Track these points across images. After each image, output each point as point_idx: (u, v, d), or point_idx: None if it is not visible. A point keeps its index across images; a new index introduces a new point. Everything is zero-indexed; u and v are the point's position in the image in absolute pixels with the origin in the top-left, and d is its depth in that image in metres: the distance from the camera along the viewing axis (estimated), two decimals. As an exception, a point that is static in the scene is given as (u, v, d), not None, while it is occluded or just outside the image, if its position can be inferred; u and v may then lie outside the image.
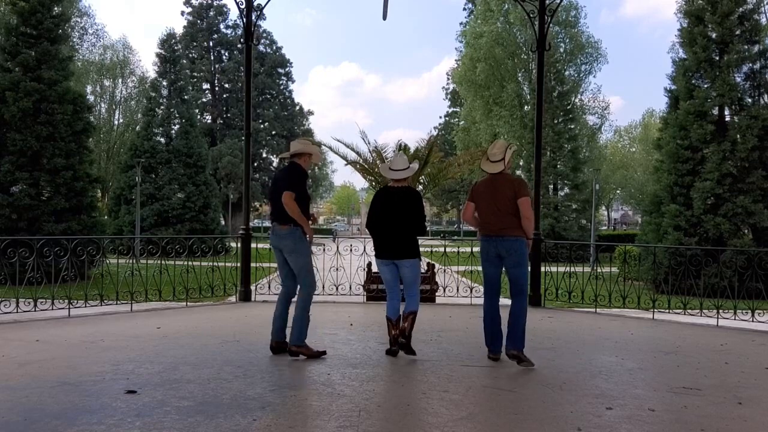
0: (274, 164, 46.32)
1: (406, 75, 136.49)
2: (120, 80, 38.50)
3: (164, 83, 29.40)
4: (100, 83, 37.80)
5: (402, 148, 10.83)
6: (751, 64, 15.52)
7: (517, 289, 5.09)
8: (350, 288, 9.13)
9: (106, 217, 24.86)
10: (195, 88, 41.87)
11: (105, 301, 7.94)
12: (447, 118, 52.00)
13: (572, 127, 29.23)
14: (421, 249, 5.49)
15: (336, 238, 10.11)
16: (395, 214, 5.16)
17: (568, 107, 29.32)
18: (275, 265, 5.50)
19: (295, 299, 5.17)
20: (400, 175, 5.25)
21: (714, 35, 15.40)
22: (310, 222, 5.14)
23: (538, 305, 8.68)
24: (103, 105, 37.83)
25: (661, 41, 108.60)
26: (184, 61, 34.27)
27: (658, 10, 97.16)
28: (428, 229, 58.88)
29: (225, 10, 45.37)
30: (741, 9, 15.40)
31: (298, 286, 5.18)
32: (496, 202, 5.06)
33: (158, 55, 29.64)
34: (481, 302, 8.12)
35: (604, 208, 54.34)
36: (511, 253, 5.02)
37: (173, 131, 28.86)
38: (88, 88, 35.07)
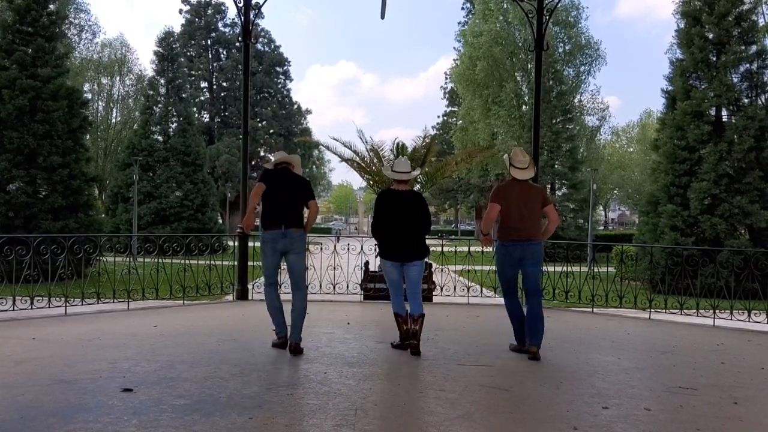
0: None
1: (404, 74, 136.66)
2: (118, 78, 38.38)
3: (162, 81, 29.31)
4: (98, 81, 37.68)
5: (399, 146, 10.83)
6: (748, 65, 15.53)
7: (534, 287, 5.35)
8: (347, 287, 9.13)
9: (103, 215, 24.77)
10: (193, 87, 41.77)
11: (102, 300, 7.93)
12: (445, 118, 51.90)
13: (570, 126, 29.23)
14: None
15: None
16: (405, 217, 5.32)
17: (567, 107, 29.31)
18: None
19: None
20: (402, 177, 5.44)
21: (711, 36, 15.41)
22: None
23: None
24: (100, 103, 37.71)
25: (658, 41, 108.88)
26: (182, 60, 34.14)
27: (653, 10, 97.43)
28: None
29: (223, 8, 45.29)
30: (738, 10, 15.40)
31: (295, 286, 5.36)
32: (527, 208, 5.27)
33: (156, 53, 29.56)
34: (478, 302, 8.24)
35: (601, 208, 54.42)
36: (535, 254, 5.31)
37: (171, 129, 28.78)
38: (86, 86, 34.95)
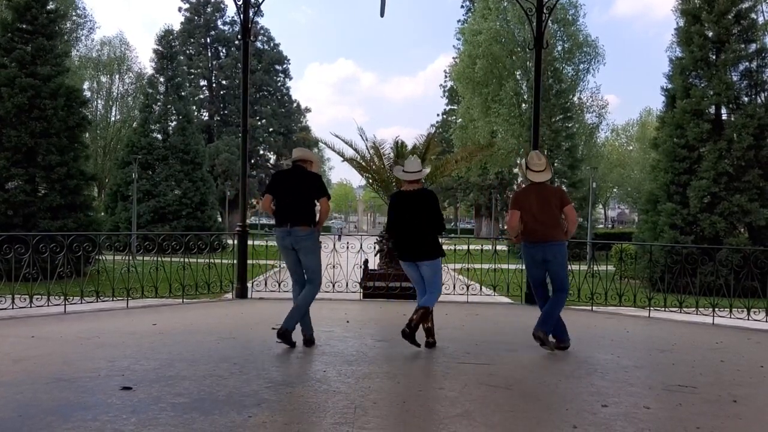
0: (272, 161, 46.23)
1: (403, 73, 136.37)
2: (117, 76, 38.39)
3: (161, 80, 29.25)
4: (97, 79, 37.67)
5: (399, 145, 10.83)
6: (747, 63, 15.50)
7: (559, 286, 5.54)
8: (347, 285, 9.12)
9: (102, 214, 24.74)
10: (192, 85, 41.74)
11: (101, 298, 7.92)
12: (444, 116, 51.91)
13: (569, 125, 29.21)
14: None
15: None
16: (413, 217, 5.42)
17: (566, 105, 29.29)
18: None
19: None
20: (410, 177, 5.53)
21: (710, 34, 15.39)
22: None
23: (535, 303, 8.68)
24: (100, 101, 37.70)
25: (656, 40, 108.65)
26: (182, 58, 34.10)
27: (651, 9, 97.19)
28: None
29: (222, 6, 45.31)
30: (737, 8, 15.38)
31: (307, 281, 5.54)
32: (543, 211, 5.37)
33: (155, 51, 29.48)
34: (478, 300, 8.33)
35: (601, 206, 54.42)
36: (557, 256, 5.43)
37: (170, 128, 28.72)
38: (86, 84, 34.93)
